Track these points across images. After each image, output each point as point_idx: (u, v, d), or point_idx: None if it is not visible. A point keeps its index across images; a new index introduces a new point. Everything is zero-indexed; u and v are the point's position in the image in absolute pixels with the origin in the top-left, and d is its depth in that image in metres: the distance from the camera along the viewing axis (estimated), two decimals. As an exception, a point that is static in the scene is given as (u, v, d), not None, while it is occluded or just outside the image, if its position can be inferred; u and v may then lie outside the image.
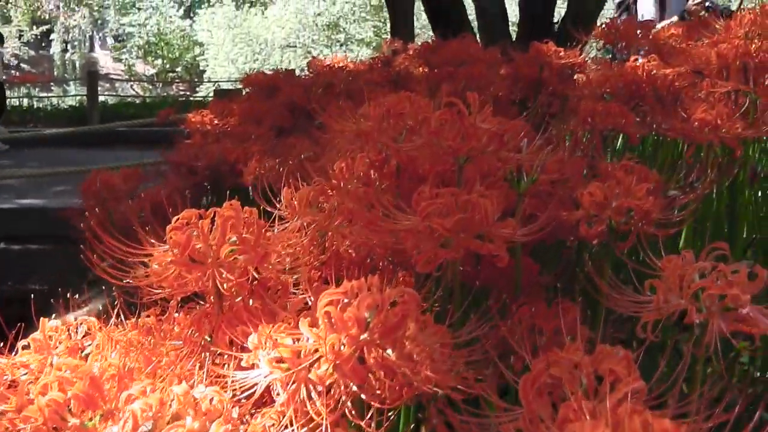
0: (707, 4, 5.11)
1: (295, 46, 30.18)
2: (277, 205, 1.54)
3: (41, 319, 1.33)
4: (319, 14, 28.80)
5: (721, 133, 1.78)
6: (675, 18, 5.21)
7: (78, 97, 19.16)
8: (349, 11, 28.91)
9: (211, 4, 32.62)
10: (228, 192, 3.04)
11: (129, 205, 2.72)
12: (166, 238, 1.16)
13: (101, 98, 16.55)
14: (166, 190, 2.94)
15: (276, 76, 4.30)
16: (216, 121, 3.61)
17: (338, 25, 29.00)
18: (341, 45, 29.44)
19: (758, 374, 1.95)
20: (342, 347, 0.90)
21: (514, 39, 5.35)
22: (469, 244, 1.07)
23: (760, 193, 2.54)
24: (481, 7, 5.26)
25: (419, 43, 9.11)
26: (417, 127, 1.37)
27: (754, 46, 2.31)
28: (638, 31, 3.29)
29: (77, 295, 1.74)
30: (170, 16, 33.41)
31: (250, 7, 31.63)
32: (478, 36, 5.46)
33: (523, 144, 1.43)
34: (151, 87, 28.78)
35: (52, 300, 1.74)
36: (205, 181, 3.02)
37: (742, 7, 5.57)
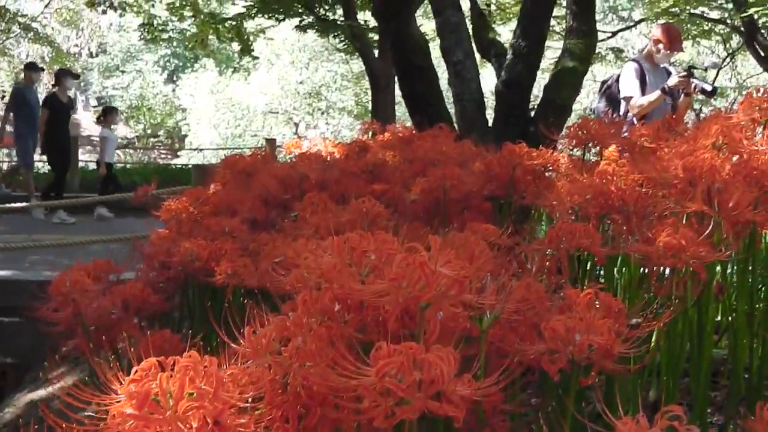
0: (692, 81, 5.22)
1: (277, 113, 30.48)
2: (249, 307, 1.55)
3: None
4: (301, 82, 29.17)
5: (686, 257, 1.81)
6: (657, 92, 5.34)
7: (59, 162, 19.06)
8: (330, 80, 29.31)
9: (194, 69, 32.94)
10: (201, 290, 3.07)
11: (101, 302, 2.71)
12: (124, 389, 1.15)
13: (81, 163, 16.58)
14: (138, 284, 2.94)
15: (253, 161, 4.32)
16: (191, 209, 3.61)
17: (320, 93, 29.36)
18: (322, 113, 29.74)
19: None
20: None
21: (491, 123, 5.44)
22: (425, 405, 1.08)
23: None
24: (457, 93, 5.35)
25: (398, 121, 9.20)
26: (381, 265, 1.39)
27: (719, 158, 2.37)
28: (611, 131, 3.37)
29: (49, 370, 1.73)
30: (153, 81, 33.72)
31: (233, 73, 31.96)
32: (455, 119, 5.55)
33: (486, 280, 1.45)
34: (132, 151, 28.87)
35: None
36: (178, 276, 3.01)
37: (718, 88, 5.70)
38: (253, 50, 17.29)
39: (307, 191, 3.46)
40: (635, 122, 5.58)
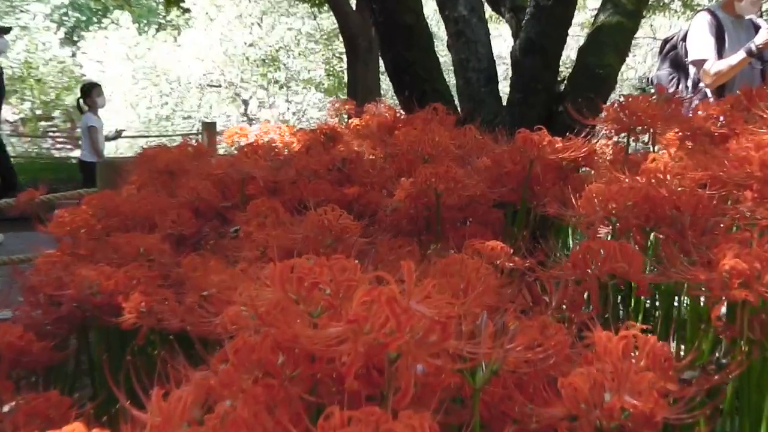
0: None
1: (219, 86, 30.44)
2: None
3: None
4: (250, 45, 29.12)
5: (760, 286, 1.84)
6: (741, 54, 5.37)
7: None
8: (291, 41, 29.24)
9: (102, 26, 32.78)
10: (104, 334, 3.08)
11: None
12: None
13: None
14: (16, 327, 2.94)
15: (181, 156, 4.34)
16: (93, 222, 3.63)
17: (277, 60, 29.30)
18: (281, 86, 29.68)
19: None
20: None
21: (505, 102, 5.46)
22: (391, 491, 1.10)
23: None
24: (459, 61, 5.37)
25: (384, 97, 9.22)
26: (338, 302, 1.41)
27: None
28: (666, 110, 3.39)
29: None
30: (44, 42, 33.47)
31: (157, 31, 31.91)
32: (456, 97, 5.58)
33: (481, 320, 1.47)
34: (15, 140, 28.69)
35: None
36: (73, 316, 3.02)
37: None
38: (183, 0, 17.33)
39: (252, 197, 3.49)
40: (709, 95, 5.62)
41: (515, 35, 5.60)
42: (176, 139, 21.61)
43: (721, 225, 2.26)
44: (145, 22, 31.84)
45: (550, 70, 5.32)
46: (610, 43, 5.46)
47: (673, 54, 6.11)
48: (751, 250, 1.88)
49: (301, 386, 1.47)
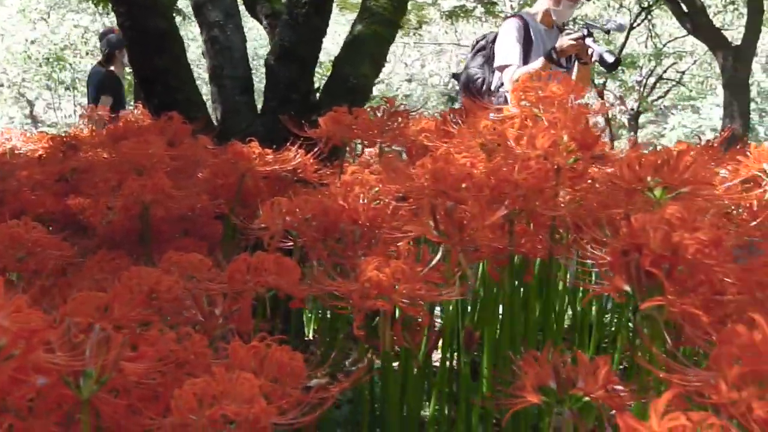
0: (589, 45, 5.34)
1: (1, 85, 29.55)
2: None
3: None
4: (33, 42, 28.30)
5: (398, 297, 2.01)
6: (541, 60, 5.49)
7: None
8: (79, 40, 28.52)
9: None
10: None
11: None
12: None
13: None
14: None
15: None
16: None
17: (63, 59, 28.52)
18: (67, 87, 28.99)
19: None
20: None
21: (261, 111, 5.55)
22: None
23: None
24: (213, 68, 5.42)
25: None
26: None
27: (483, 165, 2.62)
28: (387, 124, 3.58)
29: None
30: None
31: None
32: (211, 106, 5.64)
33: (94, 333, 1.59)
34: None
35: None
36: None
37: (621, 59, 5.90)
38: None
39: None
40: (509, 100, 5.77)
41: (271, 42, 5.69)
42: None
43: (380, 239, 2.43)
44: None
45: (306, 79, 5.43)
46: (366, 53, 5.60)
47: (484, 54, 6.20)
48: (391, 262, 2.06)
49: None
